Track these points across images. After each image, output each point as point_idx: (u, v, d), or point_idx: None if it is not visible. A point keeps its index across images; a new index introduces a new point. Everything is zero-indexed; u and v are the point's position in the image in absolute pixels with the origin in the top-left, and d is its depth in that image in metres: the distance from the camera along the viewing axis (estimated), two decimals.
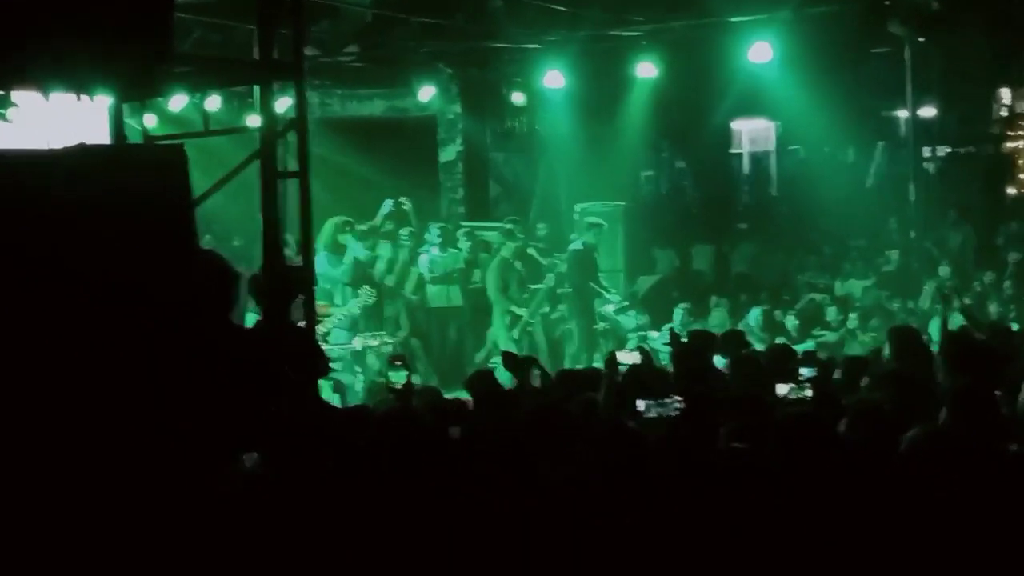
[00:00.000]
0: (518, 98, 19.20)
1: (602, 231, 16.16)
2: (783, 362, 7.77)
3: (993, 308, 14.82)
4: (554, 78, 17.27)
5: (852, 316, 15.30)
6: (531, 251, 16.07)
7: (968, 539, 4.78)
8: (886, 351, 8.31)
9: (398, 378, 10.39)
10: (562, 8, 15.53)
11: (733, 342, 8.95)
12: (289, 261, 9.12)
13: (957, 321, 11.10)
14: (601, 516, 4.96)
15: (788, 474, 5.17)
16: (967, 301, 12.71)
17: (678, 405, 5.93)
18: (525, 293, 15.52)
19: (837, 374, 8.17)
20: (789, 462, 5.22)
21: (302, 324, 8.69)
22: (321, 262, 13.76)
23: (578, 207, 17.91)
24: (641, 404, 5.99)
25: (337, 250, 14.01)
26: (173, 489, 5.75)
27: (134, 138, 9.11)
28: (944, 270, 16.61)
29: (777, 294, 17.06)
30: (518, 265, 15.47)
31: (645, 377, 7.40)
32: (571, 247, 16.19)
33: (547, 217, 18.84)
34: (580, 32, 16.42)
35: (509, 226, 15.87)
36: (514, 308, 15.23)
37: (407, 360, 11.17)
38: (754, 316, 14.71)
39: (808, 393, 6.62)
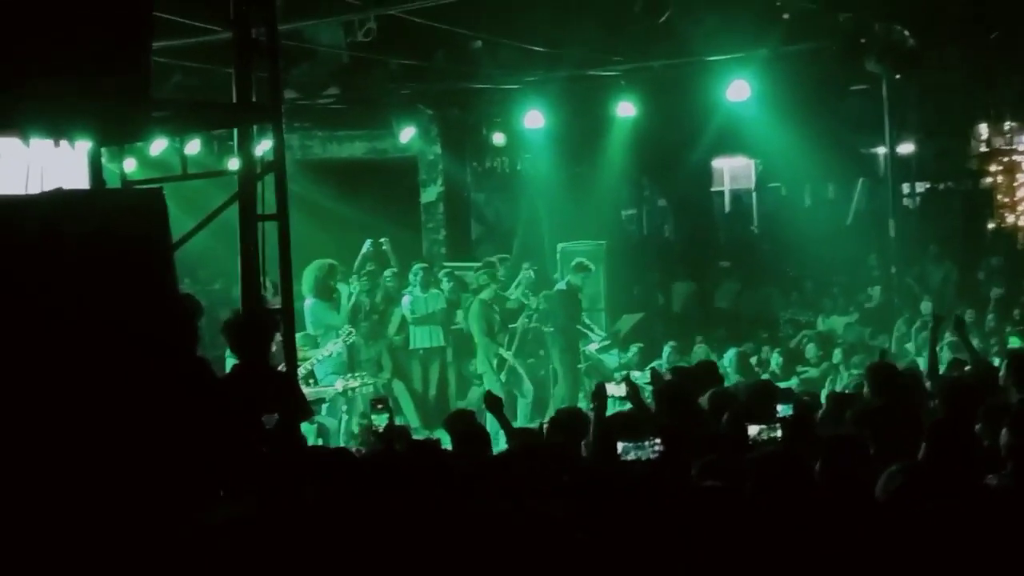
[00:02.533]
0: (499, 138, 19.26)
1: (589, 274, 16.17)
2: (764, 399, 7.77)
3: (976, 343, 14.84)
4: (534, 118, 17.33)
5: (836, 352, 15.31)
6: (521, 296, 16.06)
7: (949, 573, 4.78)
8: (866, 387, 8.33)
9: (380, 421, 10.39)
10: (541, 48, 15.59)
11: (706, 377, 8.95)
12: (268, 303, 9.08)
13: (944, 355, 11.11)
14: (583, 553, 4.96)
15: (762, 512, 5.16)
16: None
17: (657, 448, 5.92)
18: (506, 333, 15.52)
19: (823, 410, 8.20)
20: (763, 500, 5.22)
21: (282, 368, 8.66)
22: (316, 308, 13.75)
23: (560, 246, 17.95)
24: (620, 446, 5.99)
25: (324, 294, 13.94)
26: (150, 526, 5.72)
27: (113, 182, 9.09)
28: (926, 305, 16.64)
29: (758, 331, 17.09)
30: (496, 307, 15.41)
31: (630, 417, 7.39)
32: (555, 287, 16.21)
33: (529, 257, 18.87)
34: (559, 72, 16.50)
35: (499, 267, 15.95)
36: (501, 351, 15.20)
37: (388, 403, 11.17)
38: (728, 358, 14.71)
39: (778, 434, 6.62)
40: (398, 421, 11.55)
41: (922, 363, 11.05)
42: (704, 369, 9.59)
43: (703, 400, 8.06)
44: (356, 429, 12.69)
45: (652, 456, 5.88)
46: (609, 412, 7.79)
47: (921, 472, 5.32)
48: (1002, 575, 4.76)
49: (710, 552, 4.86)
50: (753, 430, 6.64)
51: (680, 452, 6.18)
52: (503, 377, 15.11)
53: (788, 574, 4.88)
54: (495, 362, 15.18)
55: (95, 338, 5.91)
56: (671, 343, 15.86)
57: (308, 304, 13.74)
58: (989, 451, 6.33)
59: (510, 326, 15.67)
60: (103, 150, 8.47)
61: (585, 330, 15.94)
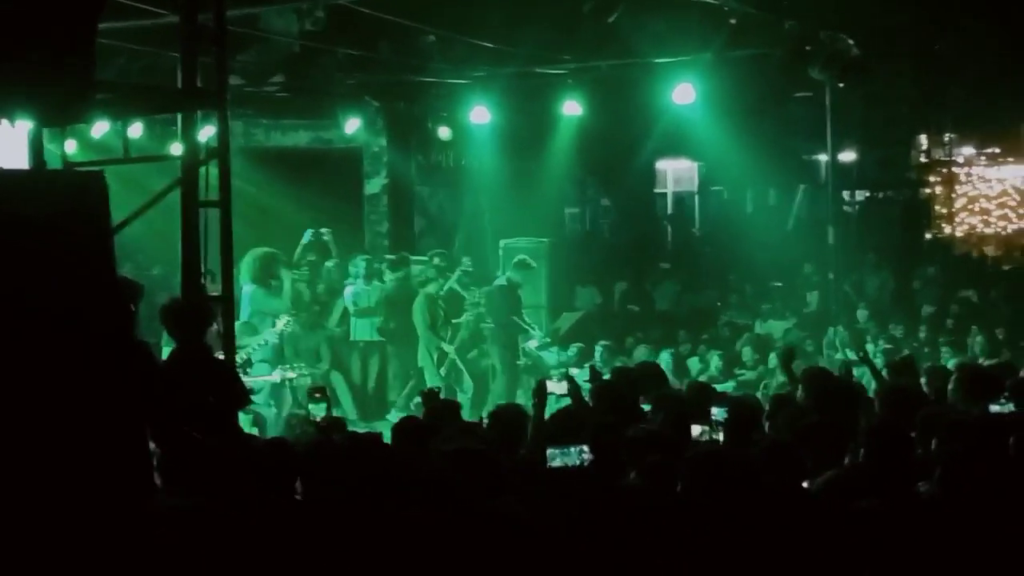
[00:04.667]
0: (444, 132, 19.21)
1: (531, 271, 16.19)
2: (701, 401, 7.82)
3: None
4: (480, 114, 17.33)
5: (772, 355, 15.42)
6: (454, 285, 16.07)
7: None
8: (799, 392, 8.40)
9: (318, 411, 10.35)
10: (489, 44, 15.59)
11: (649, 378, 8.99)
12: (208, 291, 9.01)
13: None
14: (527, 550, 4.99)
15: (697, 512, 5.21)
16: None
17: (585, 455, 5.95)
18: (448, 327, 15.52)
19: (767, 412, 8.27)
20: (698, 500, 5.26)
21: (220, 355, 8.60)
22: (257, 296, 13.64)
23: (503, 242, 17.97)
24: (547, 452, 6.02)
25: (264, 282, 13.83)
26: (88, 515, 5.67)
27: (54, 164, 8.99)
28: (862, 313, 16.84)
29: (697, 333, 17.20)
30: (441, 301, 15.46)
31: (569, 415, 7.40)
32: (495, 283, 16.22)
33: (471, 252, 18.86)
34: (507, 69, 16.50)
35: (437, 260, 15.90)
36: (443, 345, 15.18)
37: (327, 392, 11.12)
38: (664, 359, 14.80)
39: (720, 437, 6.68)
40: (335, 413, 11.49)
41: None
42: (646, 370, 9.62)
43: (647, 400, 8.09)
44: (293, 420, 12.62)
45: (579, 462, 5.91)
46: (549, 410, 7.81)
47: (859, 476, 5.39)
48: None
49: (643, 552, 4.90)
50: (696, 431, 6.70)
51: (614, 454, 6.22)
52: (443, 372, 15.09)
53: (722, 572, 4.92)
54: (436, 356, 15.17)
55: (31, 321, 5.84)
56: (603, 342, 15.92)
57: (247, 291, 13.63)
58: (922, 460, 6.42)
59: (453, 321, 15.66)
60: (44, 131, 8.38)
61: (525, 327, 15.95)
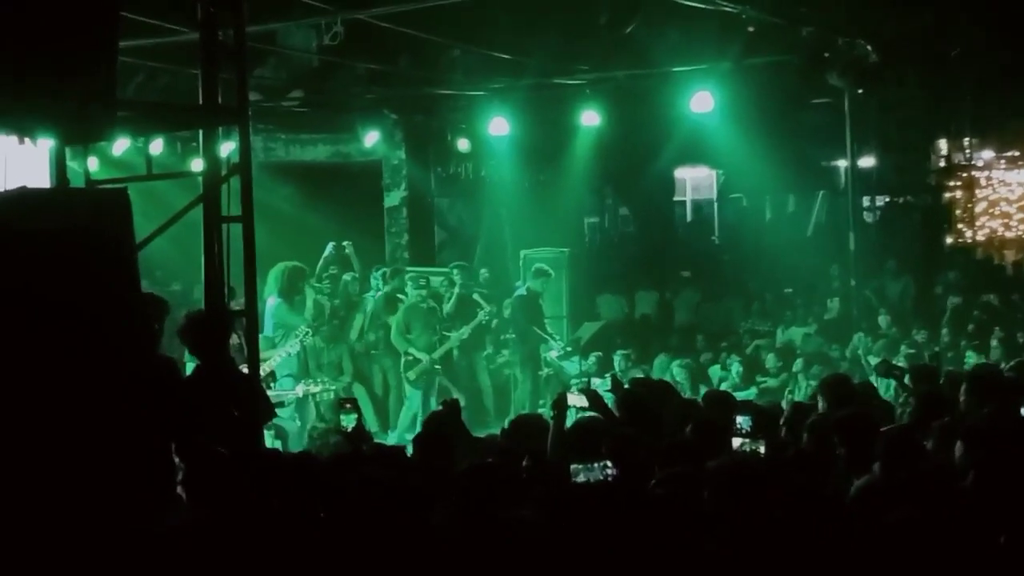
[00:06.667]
0: (463, 144, 19.27)
1: (549, 280, 16.18)
2: (722, 410, 7.82)
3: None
4: (499, 125, 17.37)
5: (798, 362, 15.37)
6: (475, 296, 16.08)
7: None
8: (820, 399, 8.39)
9: (348, 421, 10.38)
10: (506, 56, 15.63)
11: (663, 394, 8.98)
12: (231, 306, 9.05)
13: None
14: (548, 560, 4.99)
15: (724, 522, 5.21)
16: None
17: (609, 470, 5.95)
18: (435, 336, 15.13)
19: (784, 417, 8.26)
20: (722, 508, 5.26)
21: (244, 369, 8.64)
22: (280, 310, 13.69)
23: (523, 253, 17.98)
24: (571, 468, 6.02)
25: (289, 296, 13.88)
26: (112, 528, 5.70)
27: (76, 182, 9.04)
28: (883, 319, 16.78)
29: (718, 342, 17.17)
30: (424, 306, 15.11)
31: (589, 427, 7.40)
32: (516, 292, 16.23)
33: (491, 263, 18.89)
34: (524, 80, 16.54)
35: (456, 272, 15.91)
36: (412, 351, 14.87)
37: (357, 403, 11.13)
38: (677, 372, 14.78)
39: (762, 448, 6.64)
40: None
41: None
42: (661, 385, 9.62)
43: (668, 411, 8.08)
44: (315, 433, 12.64)
45: (602, 477, 5.91)
46: (568, 422, 7.81)
47: (880, 483, 5.38)
48: None
49: (670, 559, 4.90)
50: (736, 442, 6.67)
51: (637, 465, 6.21)
52: (412, 376, 14.84)
53: None
54: (403, 361, 14.91)
55: (58, 338, 5.88)
56: (622, 352, 15.92)
57: (272, 304, 13.70)
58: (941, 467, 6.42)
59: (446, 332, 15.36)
60: (67, 149, 8.43)
61: (547, 336, 15.93)
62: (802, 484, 5.65)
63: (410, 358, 14.86)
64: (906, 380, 9.52)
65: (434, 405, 14.59)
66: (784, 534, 5.08)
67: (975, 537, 5.02)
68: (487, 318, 15.75)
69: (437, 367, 15.00)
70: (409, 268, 17.17)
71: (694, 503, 5.51)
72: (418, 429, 14.02)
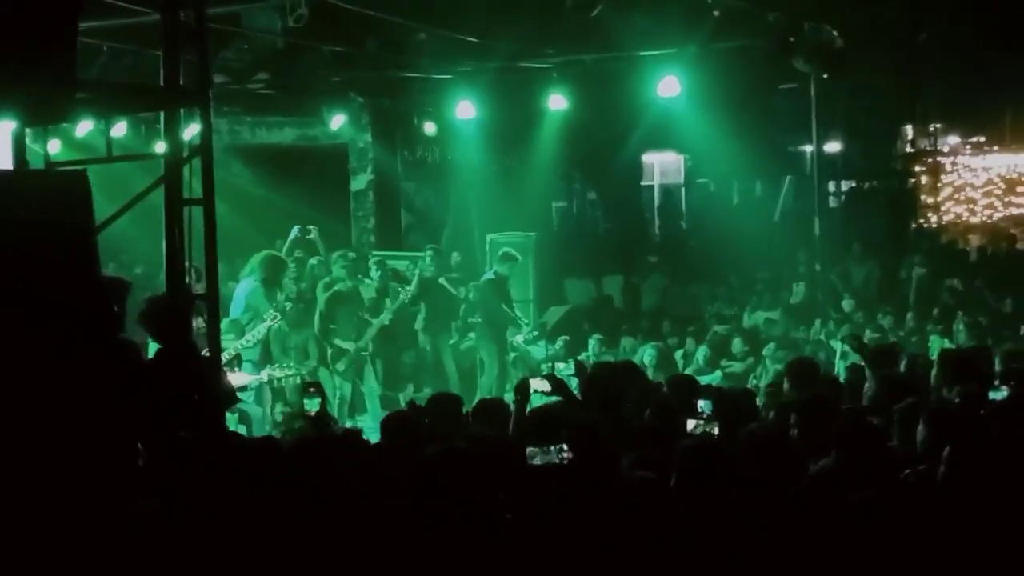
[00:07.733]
0: (430, 128, 19.23)
1: (516, 264, 16.14)
2: (683, 393, 7.84)
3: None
4: (465, 108, 17.32)
5: (770, 346, 15.37)
6: (442, 281, 16.05)
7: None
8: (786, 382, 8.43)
9: (312, 405, 10.35)
10: (473, 39, 15.57)
11: (627, 375, 8.99)
12: (193, 289, 8.98)
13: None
14: (512, 542, 4.99)
15: (690, 501, 5.22)
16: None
17: (565, 454, 5.98)
18: (358, 322, 14.67)
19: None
20: (691, 490, 5.27)
21: (206, 353, 8.58)
22: (257, 294, 13.61)
23: (490, 237, 17.97)
24: (527, 451, 6.04)
25: (269, 284, 13.79)
26: (74, 512, 5.66)
27: (37, 163, 8.96)
28: (848, 303, 16.86)
29: (684, 326, 17.21)
30: (344, 291, 14.60)
31: (549, 412, 7.40)
32: (484, 277, 16.21)
33: (458, 247, 18.86)
34: (491, 63, 16.48)
35: (429, 255, 15.90)
36: (338, 341, 14.48)
37: (321, 387, 11.08)
38: (648, 354, 14.79)
39: (716, 430, 6.69)
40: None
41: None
42: (625, 367, 9.62)
43: (628, 397, 8.10)
44: (279, 417, 12.61)
45: (558, 461, 5.94)
46: (531, 407, 7.81)
47: (839, 466, 5.40)
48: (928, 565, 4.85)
49: (639, 541, 4.91)
50: (690, 424, 6.72)
51: (597, 449, 6.23)
52: (341, 367, 14.47)
53: (715, 562, 4.93)
54: (330, 352, 14.51)
55: (13, 321, 5.83)
56: (597, 336, 15.96)
57: (247, 286, 13.63)
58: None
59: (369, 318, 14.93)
60: (27, 130, 8.35)
61: (515, 319, 15.88)
62: (755, 465, 5.68)
63: (335, 349, 14.53)
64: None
65: (374, 387, 14.63)
66: (736, 516, 5.09)
67: (937, 520, 5.04)
68: (407, 298, 15.44)
69: (364, 353, 14.67)
70: (374, 252, 17.12)
71: (663, 486, 5.52)
72: (354, 417, 14.08)
